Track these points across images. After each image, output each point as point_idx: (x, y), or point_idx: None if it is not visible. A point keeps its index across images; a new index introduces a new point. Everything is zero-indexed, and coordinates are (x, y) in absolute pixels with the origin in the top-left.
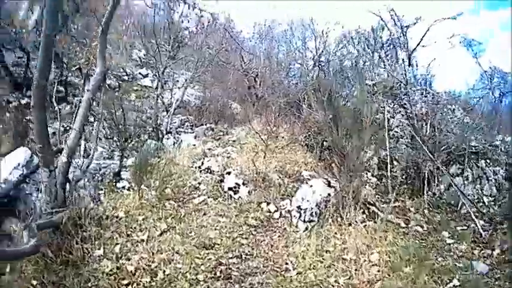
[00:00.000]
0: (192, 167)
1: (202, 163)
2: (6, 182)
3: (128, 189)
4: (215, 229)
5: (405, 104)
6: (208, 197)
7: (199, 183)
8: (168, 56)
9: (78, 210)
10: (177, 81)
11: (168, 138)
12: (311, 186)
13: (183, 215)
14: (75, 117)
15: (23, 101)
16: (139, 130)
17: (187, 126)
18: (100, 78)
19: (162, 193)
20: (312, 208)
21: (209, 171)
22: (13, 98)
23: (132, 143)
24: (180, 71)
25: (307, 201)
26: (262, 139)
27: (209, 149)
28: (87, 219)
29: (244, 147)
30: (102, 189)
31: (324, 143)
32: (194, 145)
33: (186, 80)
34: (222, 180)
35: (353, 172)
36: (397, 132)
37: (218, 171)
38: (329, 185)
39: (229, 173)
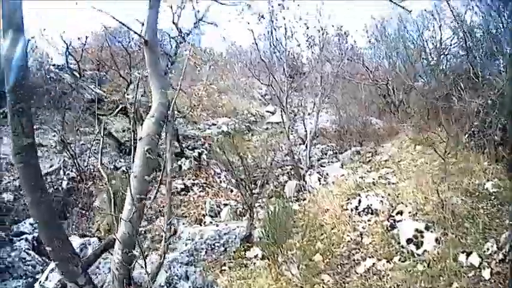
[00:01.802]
0: (346, 208)
1: (360, 201)
2: None
3: (263, 258)
4: None
5: None
6: (379, 259)
7: (361, 235)
8: (289, 87)
9: None
10: (305, 107)
11: (311, 174)
12: None
13: None
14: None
15: None
16: (273, 172)
17: (330, 155)
18: (159, 117)
19: (309, 263)
20: None
21: (370, 211)
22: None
23: (266, 190)
24: (307, 99)
25: None
26: (435, 151)
27: (361, 177)
28: None
29: (401, 166)
30: (224, 264)
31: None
32: (342, 175)
33: (314, 105)
34: (393, 226)
35: None
36: None
37: (383, 211)
38: None
39: (401, 213)
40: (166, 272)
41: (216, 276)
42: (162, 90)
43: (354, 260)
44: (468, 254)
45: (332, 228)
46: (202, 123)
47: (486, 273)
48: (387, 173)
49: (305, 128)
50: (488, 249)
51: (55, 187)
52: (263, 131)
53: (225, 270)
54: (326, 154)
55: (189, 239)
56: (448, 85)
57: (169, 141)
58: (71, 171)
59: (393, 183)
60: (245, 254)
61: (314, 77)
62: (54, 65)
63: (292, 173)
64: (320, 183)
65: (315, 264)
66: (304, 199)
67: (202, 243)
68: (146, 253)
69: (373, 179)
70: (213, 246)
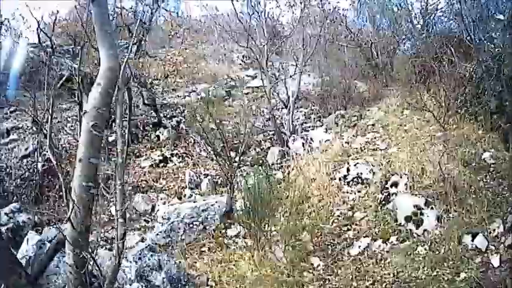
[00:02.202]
0: (333, 178)
1: (348, 169)
2: None
3: (245, 237)
4: None
5: None
6: (374, 239)
7: (352, 209)
8: (269, 50)
9: None
10: (287, 70)
11: (294, 140)
12: None
13: None
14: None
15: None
16: (254, 138)
17: (313, 119)
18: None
19: (295, 243)
20: None
21: (360, 181)
22: None
23: (248, 158)
24: (288, 62)
25: None
26: (431, 112)
27: (347, 143)
28: None
29: (389, 131)
30: (204, 245)
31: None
32: (327, 140)
33: (296, 66)
34: (387, 200)
35: None
36: None
37: (376, 182)
38: None
39: (395, 185)
40: (137, 263)
41: (194, 260)
42: (111, 52)
43: (345, 240)
44: (474, 236)
45: (319, 201)
46: (182, 90)
47: (495, 260)
48: (375, 138)
49: (287, 91)
50: (494, 230)
51: (30, 170)
52: (243, 96)
53: (204, 252)
54: (309, 118)
55: (165, 218)
56: (437, 49)
57: (119, 113)
58: (47, 151)
59: (382, 149)
60: (226, 232)
61: (296, 38)
62: (29, 44)
63: (275, 138)
64: (304, 149)
65: (303, 244)
66: (288, 166)
67: (179, 222)
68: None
69: (360, 144)
70: (191, 225)
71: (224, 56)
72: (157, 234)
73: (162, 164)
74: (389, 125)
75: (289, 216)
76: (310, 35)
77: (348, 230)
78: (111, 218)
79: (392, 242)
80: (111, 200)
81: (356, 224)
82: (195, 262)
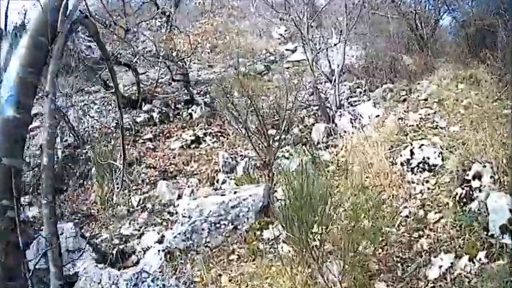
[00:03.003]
0: (393, 162)
1: (412, 153)
2: None
3: (286, 242)
4: None
5: None
6: (457, 255)
7: (423, 207)
8: (309, 21)
9: None
10: (328, 42)
11: (341, 115)
12: None
13: None
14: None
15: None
16: (297, 114)
17: (359, 93)
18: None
19: (353, 258)
20: None
21: (428, 168)
22: None
23: (289, 138)
24: (329, 36)
25: None
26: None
27: (400, 119)
28: None
29: (446, 106)
30: (233, 251)
31: None
32: (377, 116)
33: (340, 36)
34: (470, 197)
35: None
36: None
37: (449, 170)
38: None
39: (478, 177)
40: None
41: (219, 271)
42: None
43: (419, 254)
44: None
45: (379, 193)
46: (219, 66)
47: None
48: (428, 114)
49: (330, 65)
50: None
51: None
52: (283, 70)
53: (233, 260)
54: (355, 92)
55: (185, 216)
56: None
57: (49, 82)
58: (69, 136)
59: (442, 128)
60: (261, 234)
61: (336, 9)
62: None
63: (319, 114)
64: (353, 126)
65: (363, 259)
66: (336, 145)
67: (202, 221)
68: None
69: (415, 120)
70: (217, 225)
71: (262, 30)
72: (175, 237)
73: (194, 145)
74: (444, 100)
75: (343, 214)
76: (352, 3)
77: (420, 236)
78: (131, 210)
79: (480, 259)
80: (134, 188)
81: (430, 229)
82: (220, 275)
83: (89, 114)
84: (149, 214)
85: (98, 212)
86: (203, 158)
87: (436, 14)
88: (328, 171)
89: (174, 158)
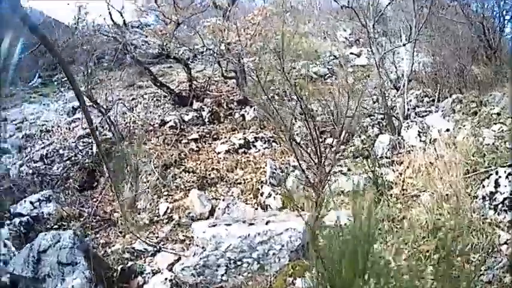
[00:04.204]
0: (469, 193)
1: (497, 184)
2: None
3: None
4: None
5: None
6: None
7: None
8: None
9: None
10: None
11: (409, 127)
12: None
13: None
14: None
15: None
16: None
17: (426, 102)
18: None
19: None
20: None
21: None
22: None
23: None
24: (395, 42)
25: None
26: None
27: (474, 136)
28: None
29: None
30: None
31: None
32: (447, 130)
33: (409, 39)
34: None
35: None
36: None
37: None
38: None
39: None
40: None
41: None
42: None
43: None
44: None
45: (453, 239)
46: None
47: None
48: (503, 131)
49: (396, 70)
50: None
51: (83, 152)
52: (348, 74)
53: None
54: (422, 101)
55: (198, 245)
56: None
57: None
58: (109, 131)
59: None
60: (293, 283)
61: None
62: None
63: (384, 124)
64: (421, 140)
65: None
66: (402, 162)
67: (218, 256)
68: None
69: (489, 138)
70: (238, 263)
71: (326, 33)
72: (183, 269)
73: (242, 150)
74: None
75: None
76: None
77: None
78: (155, 219)
79: None
80: (166, 193)
81: None
82: None
83: (133, 109)
84: (173, 228)
85: (120, 216)
86: (250, 165)
87: (500, 22)
88: (391, 195)
89: (218, 162)
